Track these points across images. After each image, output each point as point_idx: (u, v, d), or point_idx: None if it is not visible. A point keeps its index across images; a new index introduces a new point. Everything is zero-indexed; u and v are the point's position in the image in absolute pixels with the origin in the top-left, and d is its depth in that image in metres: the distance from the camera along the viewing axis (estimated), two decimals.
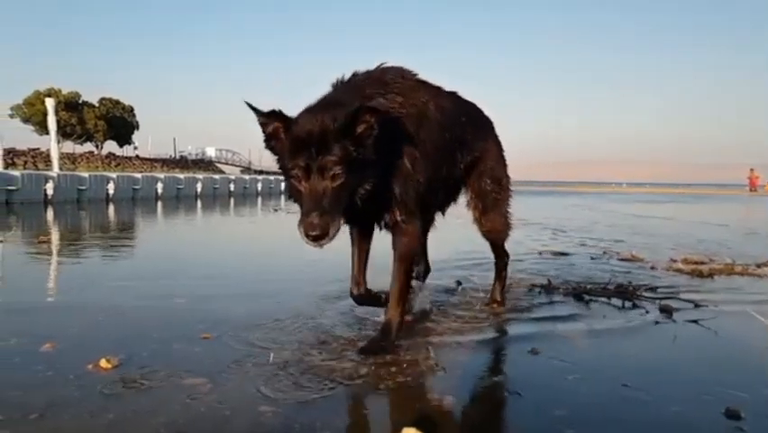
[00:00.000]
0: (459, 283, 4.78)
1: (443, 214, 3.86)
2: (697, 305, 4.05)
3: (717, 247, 7.61)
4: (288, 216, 11.53)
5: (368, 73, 2.98)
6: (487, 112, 3.95)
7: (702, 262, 6.06)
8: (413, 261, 3.11)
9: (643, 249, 7.21)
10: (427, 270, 4.27)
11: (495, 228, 3.85)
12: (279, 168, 2.60)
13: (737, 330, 3.53)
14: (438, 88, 3.35)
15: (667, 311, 3.86)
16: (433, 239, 4.12)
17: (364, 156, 2.48)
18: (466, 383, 2.54)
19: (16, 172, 17.31)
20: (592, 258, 6.60)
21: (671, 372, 2.74)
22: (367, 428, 2.13)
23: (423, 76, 3.21)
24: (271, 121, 2.49)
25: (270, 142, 2.56)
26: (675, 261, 6.17)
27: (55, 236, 8.72)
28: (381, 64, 3.04)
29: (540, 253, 6.94)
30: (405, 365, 2.69)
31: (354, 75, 2.97)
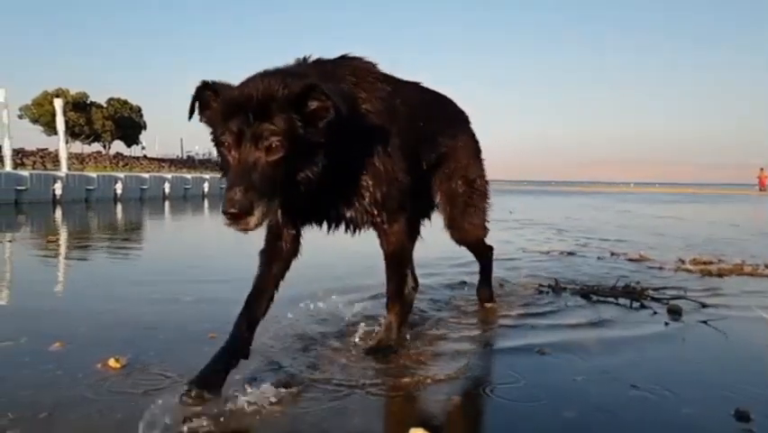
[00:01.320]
0: (464, 283, 4.76)
1: (429, 219, 3.65)
2: (705, 306, 4.03)
3: (726, 247, 7.56)
4: None
5: (333, 61, 2.67)
6: (463, 106, 3.71)
7: (711, 263, 6.03)
8: (404, 258, 2.96)
9: (651, 249, 7.19)
10: (416, 284, 3.71)
11: (465, 238, 3.57)
12: (213, 141, 2.19)
13: (746, 331, 3.51)
14: (401, 80, 3.06)
15: (675, 312, 3.84)
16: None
17: (313, 138, 2.13)
18: (474, 384, 2.54)
19: (25, 172, 17.42)
20: (599, 258, 6.58)
21: (679, 373, 2.72)
22: (376, 429, 2.13)
23: (384, 69, 2.91)
24: (205, 91, 2.18)
25: (204, 112, 2.21)
26: (684, 261, 6.14)
27: (63, 236, 8.77)
28: (345, 54, 2.74)
29: (547, 253, 6.94)
30: (411, 367, 2.69)
31: (319, 60, 2.63)
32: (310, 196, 2.24)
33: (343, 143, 2.31)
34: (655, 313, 3.85)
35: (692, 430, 2.11)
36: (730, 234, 9.68)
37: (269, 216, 2.06)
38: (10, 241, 7.70)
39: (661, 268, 5.80)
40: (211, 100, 2.16)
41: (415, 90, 3.20)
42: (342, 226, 2.75)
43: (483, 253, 3.93)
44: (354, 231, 2.78)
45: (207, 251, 7.58)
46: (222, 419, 2.05)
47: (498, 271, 5.36)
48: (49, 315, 3.65)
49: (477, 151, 3.65)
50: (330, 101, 2.11)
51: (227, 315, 3.37)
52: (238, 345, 2.39)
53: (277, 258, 2.66)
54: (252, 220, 1.94)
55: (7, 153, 18.71)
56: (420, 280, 3.96)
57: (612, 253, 6.87)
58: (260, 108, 2.03)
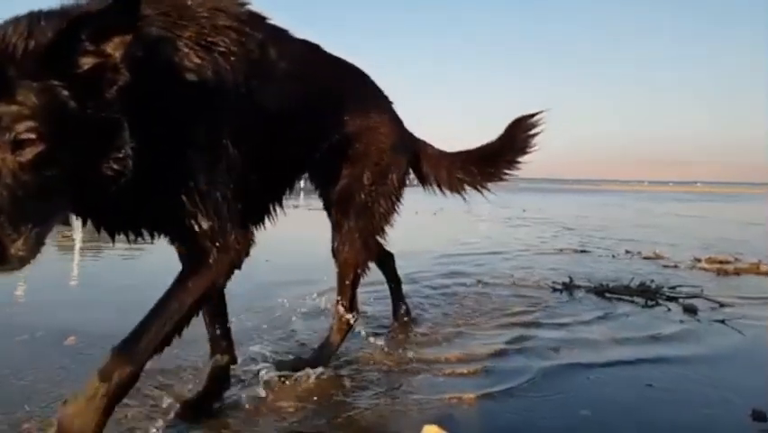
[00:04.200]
0: (479, 282, 4.74)
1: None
2: (722, 305, 3.99)
3: (742, 246, 7.47)
4: (307, 213, 11.56)
5: None
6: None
7: (727, 262, 5.96)
8: (198, 307, 1.86)
9: (668, 246, 7.12)
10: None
11: (346, 255, 2.63)
12: None
13: (763, 331, 3.46)
14: (286, 32, 2.27)
15: (691, 311, 3.81)
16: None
17: (103, 114, 1.38)
18: (486, 383, 2.52)
19: None
20: (614, 256, 6.53)
21: (696, 372, 2.69)
22: (391, 425, 2.12)
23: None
24: None
25: None
26: (699, 260, 6.07)
27: (77, 233, 8.84)
28: None
29: (561, 251, 6.92)
30: (425, 365, 2.69)
31: None
32: (133, 195, 1.55)
33: (157, 121, 1.60)
34: (669, 311, 3.82)
35: (709, 430, 2.09)
36: (747, 234, 9.57)
37: (36, 251, 1.37)
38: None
39: (676, 267, 5.75)
40: None
41: (309, 50, 2.41)
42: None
43: (347, 293, 2.69)
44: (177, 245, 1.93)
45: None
46: None
47: (510, 270, 5.37)
48: (62, 310, 3.68)
49: (394, 138, 2.76)
50: (119, 52, 1.35)
51: (240, 308, 3.35)
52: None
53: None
54: (10, 259, 1.29)
55: None
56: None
57: (627, 252, 6.82)
58: None
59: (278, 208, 2.42)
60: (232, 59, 1.82)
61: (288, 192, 2.48)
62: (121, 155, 1.43)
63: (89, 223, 1.69)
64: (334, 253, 2.63)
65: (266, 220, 2.38)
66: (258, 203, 2.25)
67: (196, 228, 1.75)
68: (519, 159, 3.10)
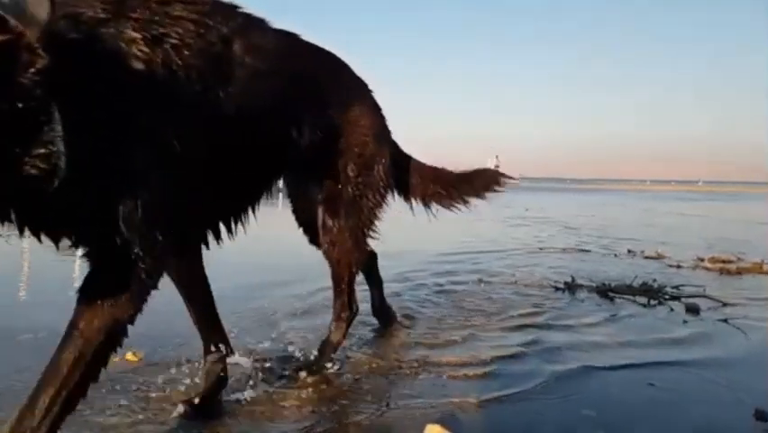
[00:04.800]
0: (481, 281, 4.73)
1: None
2: (724, 304, 3.99)
3: (745, 246, 7.45)
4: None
5: None
6: None
7: (730, 261, 5.95)
8: (111, 349, 1.59)
9: (666, 246, 7.11)
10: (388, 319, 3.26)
11: (338, 255, 2.57)
12: None
13: (765, 330, 3.45)
14: (262, 22, 2.07)
15: (693, 310, 3.80)
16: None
17: (23, 103, 1.13)
18: (494, 386, 2.52)
19: None
20: (616, 255, 6.53)
21: (698, 371, 2.69)
22: (394, 425, 2.12)
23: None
24: None
25: None
26: (702, 259, 6.06)
27: None
28: None
29: (564, 250, 6.91)
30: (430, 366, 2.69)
31: None
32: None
33: (88, 114, 1.36)
34: (672, 310, 3.81)
35: (712, 429, 2.09)
36: (749, 233, 9.55)
37: None
38: (27, 236, 7.79)
39: (678, 266, 5.74)
40: None
41: (280, 39, 2.13)
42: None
43: (345, 291, 2.69)
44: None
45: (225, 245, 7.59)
46: None
47: (511, 269, 5.37)
48: (66, 309, 3.68)
49: (378, 131, 2.67)
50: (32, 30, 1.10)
51: (243, 308, 3.36)
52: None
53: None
54: None
55: None
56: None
57: (629, 251, 6.81)
58: None
59: (250, 214, 2.23)
60: (186, 53, 1.61)
61: (263, 197, 2.29)
62: (47, 151, 1.20)
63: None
64: (326, 253, 2.57)
65: (236, 227, 2.18)
66: (226, 211, 2.12)
67: (113, 242, 1.48)
68: (484, 194, 3.13)
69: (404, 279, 4.63)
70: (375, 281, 3.30)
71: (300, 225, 2.75)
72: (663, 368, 2.71)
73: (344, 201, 2.51)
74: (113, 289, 1.51)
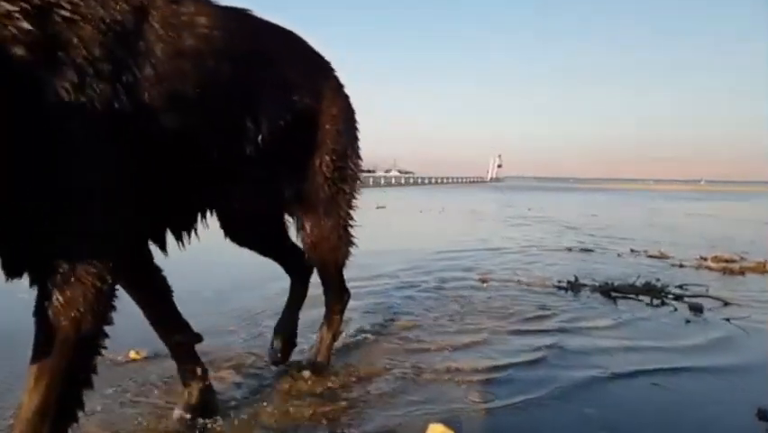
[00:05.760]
0: (483, 282, 4.73)
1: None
2: (727, 303, 3.98)
3: (748, 245, 7.44)
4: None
5: None
6: None
7: (733, 261, 5.94)
8: (81, 362, 1.53)
9: (672, 246, 7.09)
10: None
11: (323, 255, 2.41)
12: None
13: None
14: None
15: (696, 309, 3.80)
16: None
17: None
18: (492, 383, 2.52)
19: None
20: (619, 255, 6.52)
21: (701, 370, 2.68)
22: (397, 424, 2.11)
23: None
24: None
25: None
26: (705, 258, 6.05)
27: None
28: None
29: (567, 249, 6.91)
30: (427, 367, 2.69)
31: None
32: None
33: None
34: (676, 310, 3.80)
35: (714, 429, 2.08)
36: (752, 232, 9.52)
37: None
38: None
39: (681, 266, 5.73)
40: None
41: (230, 16, 1.83)
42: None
43: (336, 285, 2.59)
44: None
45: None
46: None
47: (514, 268, 5.37)
48: None
49: (347, 120, 2.42)
50: None
51: (246, 307, 3.36)
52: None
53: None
54: None
55: None
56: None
57: (632, 250, 6.81)
58: None
59: (199, 221, 1.95)
60: (86, 27, 1.29)
61: (220, 199, 1.96)
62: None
63: None
64: (309, 255, 2.39)
65: (186, 235, 1.92)
66: (165, 220, 1.84)
67: (51, 255, 1.34)
68: None
69: (404, 279, 4.64)
70: (296, 293, 2.71)
71: (246, 237, 2.52)
72: (665, 366, 2.69)
73: (322, 200, 2.31)
74: (67, 301, 1.38)
